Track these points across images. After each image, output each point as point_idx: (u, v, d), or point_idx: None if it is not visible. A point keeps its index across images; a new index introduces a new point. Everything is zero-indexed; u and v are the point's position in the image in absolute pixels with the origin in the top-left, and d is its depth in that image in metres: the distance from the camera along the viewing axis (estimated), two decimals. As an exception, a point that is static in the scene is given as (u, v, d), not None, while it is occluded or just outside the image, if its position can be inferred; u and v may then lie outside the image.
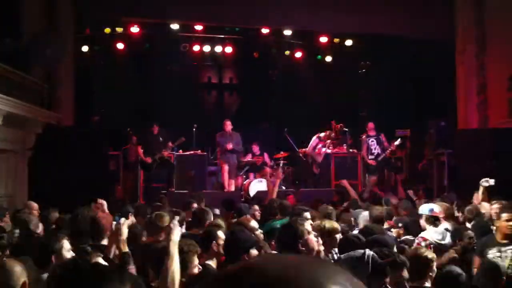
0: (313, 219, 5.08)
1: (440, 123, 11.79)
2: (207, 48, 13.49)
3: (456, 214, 6.61)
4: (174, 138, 10.62)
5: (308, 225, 3.69)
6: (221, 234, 4.00)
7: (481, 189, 6.48)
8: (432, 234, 5.07)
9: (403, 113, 12.80)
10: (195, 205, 6.55)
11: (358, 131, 12.16)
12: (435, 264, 3.50)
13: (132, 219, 5.02)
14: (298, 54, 14.07)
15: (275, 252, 3.79)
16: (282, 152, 12.23)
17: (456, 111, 11.60)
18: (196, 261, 3.05)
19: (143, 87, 13.33)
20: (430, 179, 11.98)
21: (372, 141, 11.33)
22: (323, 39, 13.30)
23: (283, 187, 10.94)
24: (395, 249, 3.39)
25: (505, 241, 4.60)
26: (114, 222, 3.75)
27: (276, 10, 11.48)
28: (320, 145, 11.71)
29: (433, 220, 5.34)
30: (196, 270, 3.04)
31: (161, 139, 10.43)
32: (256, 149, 12.28)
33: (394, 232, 5.39)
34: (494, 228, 4.97)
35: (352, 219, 5.88)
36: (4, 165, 8.64)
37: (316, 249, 3.54)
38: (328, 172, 11.54)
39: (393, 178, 11.97)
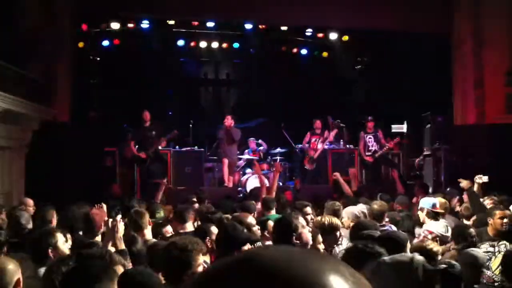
0: (312, 214, 5.10)
1: (437, 119, 11.80)
2: (203, 44, 13.45)
3: (458, 209, 6.65)
4: (167, 130, 10.59)
5: (302, 219, 3.71)
6: (214, 230, 4.00)
7: (475, 186, 6.50)
8: (436, 227, 5.10)
9: (399, 109, 12.81)
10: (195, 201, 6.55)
11: (354, 126, 12.16)
12: (439, 257, 3.52)
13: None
14: (295, 50, 14.05)
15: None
16: (279, 148, 12.23)
17: (453, 107, 11.62)
18: (200, 259, 3.02)
19: (140, 83, 13.30)
20: (426, 174, 12.00)
21: (369, 137, 11.34)
22: (320, 35, 13.28)
23: (280, 183, 10.95)
24: (409, 245, 3.37)
25: (497, 237, 4.64)
26: (111, 220, 3.75)
27: (273, 6, 11.46)
28: (314, 139, 11.70)
29: (434, 215, 5.37)
30: (200, 269, 3.01)
31: (154, 132, 10.40)
32: (252, 146, 12.29)
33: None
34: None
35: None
36: (0, 162, 8.62)
37: (310, 243, 3.56)
38: (325, 168, 11.55)
39: (390, 174, 11.98)
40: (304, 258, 0.72)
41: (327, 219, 4.15)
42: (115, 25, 11.89)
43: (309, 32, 13.21)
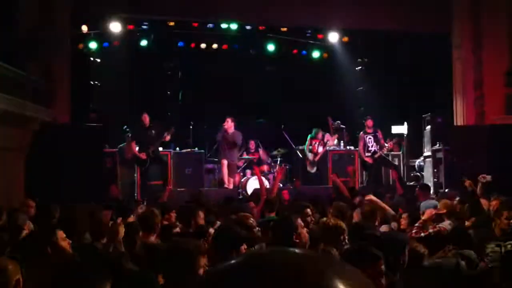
0: (312, 215, 5.09)
1: (437, 119, 11.80)
2: (203, 45, 13.45)
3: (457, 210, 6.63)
4: (166, 129, 10.57)
5: (300, 220, 3.71)
6: (212, 231, 4.00)
7: (478, 186, 6.50)
8: (444, 225, 5.10)
9: (399, 109, 12.81)
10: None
11: (355, 127, 12.17)
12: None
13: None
14: (295, 51, 14.04)
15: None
16: (279, 149, 12.23)
17: (453, 107, 11.62)
18: (202, 262, 3.01)
19: (140, 84, 13.29)
20: (426, 175, 12.01)
21: (369, 138, 11.31)
22: (320, 36, 13.29)
23: (280, 184, 10.95)
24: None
25: (504, 237, 4.62)
26: (111, 222, 3.73)
27: (273, 7, 11.47)
28: (314, 143, 11.72)
29: (439, 217, 5.36)
30: (201, 272, 3.01)
31: (153, 132, 10.39)
32: (252, 145, 12.29)
33: (383, 227, 5.39)
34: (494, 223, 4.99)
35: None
36: (0, 163, 8.61)
37: (308, 243, 3.57)
38: (326, 169, 11.57)
39: (390, 175, 11.97)
40: (312, 261, 0.72)
41: (332, 221, 4.13)
42: (114, 27, 11.88)
43: (309, 32, 13.22)
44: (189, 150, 11.62)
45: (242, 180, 11.42)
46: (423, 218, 5.18)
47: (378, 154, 11.11)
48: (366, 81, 13.85)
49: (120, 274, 2.80)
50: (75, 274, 2.47)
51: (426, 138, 12.13)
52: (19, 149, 9.17)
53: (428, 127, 12.01)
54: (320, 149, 11.61)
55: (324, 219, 4.34)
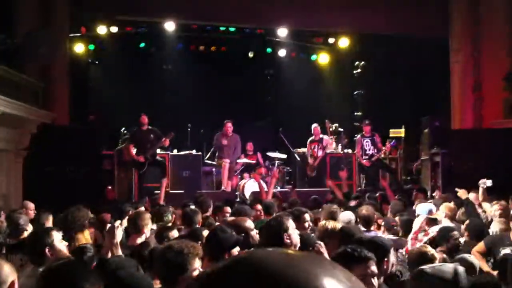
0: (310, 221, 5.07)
1: (435, 123, 11.82)
2: (202, 48, 13.48)
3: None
4: (164, 134, 10.56)
5: (291, 221, 3.71)
6: (206, 233, 4.00)
7: (480, 190, 6.50)
8: (433, 229, 5.09)
9: (397, 113, 12.83)
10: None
11: (352, 131, 12.18)
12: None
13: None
14: (293, 54, 14.08)
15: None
16: (277, 152, 12.23)
17: (451, 111, 11.64)
18: (196, 264, 3.01)
19: (138, 86, 13.30)
20: (424, 179, 12.02)
21: (366, 141, 11.33)
22: (318, 39, 13.32)
23: (278, 187, 10.95)
24: (392, 251, 3.36)
25: None
26: (109, 225, 3.72)
27: (271, 10, 11.49)
28: (313, 147, 11.73)
29: (432, 221, 5.36)
30: (196, 274, 3.01)
31: (152, 136, 10.38)
32: (250, 147, 12.29)
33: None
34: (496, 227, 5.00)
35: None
36: (-2, 165, 8.61)
37: (298, 245, 3.56)
38: (324, 172, 11.58)
39: (387, 178, 11.98)
40: (302, 262, 0.73)
41: (330, 224, 4.12)
42: (113, 29, 11.90)
43: (308, 36, 13.25)
44: (186, 152, 11.62)
45: (240, 183, 11.42)
46: (414, 231, 5.15)
47: (375, 157, 11.12)
48: (364, 84, 13.86)
49: (115, 277, 2.81)
50: (63, 275, 2.48)
51: (424, 141, 12.14)
52: (18, 151, 9.17)
53: (426, 130, 12.02)
54: (320, 153, 11.64)
55: (323, 222, 4.34)
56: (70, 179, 9.25)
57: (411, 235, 5.19)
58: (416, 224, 5.34)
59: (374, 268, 2.84)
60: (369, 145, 11.26)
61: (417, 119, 12.43)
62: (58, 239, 3.56)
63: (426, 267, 2.86)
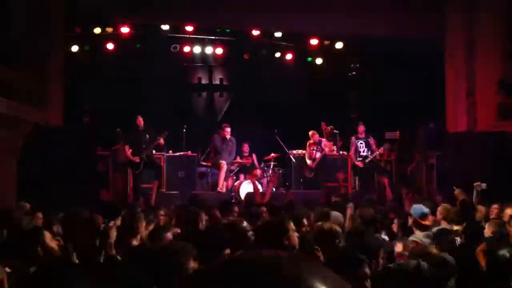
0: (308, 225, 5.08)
1: (429, 126, 11.87)
2: (197, 49, 13.47)
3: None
4: (159, 133, 10.56)
5: (291, 223, 3.72)
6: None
7: (475, 193, 6.53)
8: (422, 238, 5.10)
9: (392, 115, 12.87)
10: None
11: (348, 133, 12.21)
12: None
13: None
14: (289, 56, 14.10)
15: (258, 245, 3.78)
16: (272, 154, 12.25)
17: (445, 114, 11.70)
18: (191, 264, 3.02)
19: (133, 87, 13.27)
20: (419, 181, 12.05)
21: (361, 143, 11.39)
22: (313, 41, 13.34)
23: (273, 189, 10.98)
24: (382, 253, 3.37)
25: None
26: (103, 225, 3.71)
27: (267, 12, 11.50)
28: (313, 149, 11.77)
29: (420, 225, 5.37)
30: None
31: (147, 136, 10.37)
32: (246, 149, 12.31)
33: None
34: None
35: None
36: (-8, 165, 8.57)
37: (297, 247, 3.57)
38: (320, 174, 11.62)
39: (382, 181, 12.02)
40: (290, 262, 0.74)
41: (327, 225, 4.13)
42: (109, 29, 11.88)
43: (303, 38, 13.28)
44: (182, 153, 11.62)
45: (235, 184, 11.43)
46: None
47: (369, 159, 11.18)
48: (359, 87, 13.92)
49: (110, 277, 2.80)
50: (53, 273, 2.48)
51: (419, 144, 12.19)
52: (12, 151, 9.12)
53: (421, 133, 12.07)
54: (318, 155, 11.69)
55: (319, 223, 4.35)
56: (64, 179, 9.20)
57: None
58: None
59: (367, 270, 2.86)
60: (363, 146, 11.32)
61: (412, 122, 12.49)
62: (49, 238, 3.55)
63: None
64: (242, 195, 10.52)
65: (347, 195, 9.19)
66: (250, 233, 4.54)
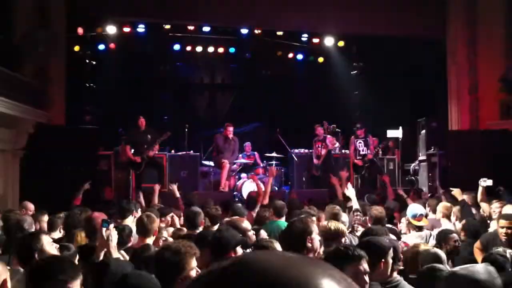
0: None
1: (432, 124, 11.86)
2: (199, 49, 13.47)
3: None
4: (161, 133, 10.56)
5: (315, 225, 3.73)
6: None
7: (480, 189, 6.51)
8: (413, 239, 5.09)
9: (395, 114, 12.86)
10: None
11: (350, 131, 12.20)
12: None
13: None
14: (291, 55, 14.09)
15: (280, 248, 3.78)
16: (274, 153, 12.25)
17: (448, 112, 11.68)
18: (194, 263, 3.02)
19: (135, 87, 13.29)
20: (421, 180, 12.04)
21: (359, 142, 11.46)
22: (316, 40, 13.33)
23: (275, 188, 10.96)
24: (391, 252, 3.36)
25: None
26: (104, 228, 3.66)
27: (269, 11, 11.49)
28: (317, 146, 11.76)
29: (414, 226, 5.38)
30: (193, 273, 3.02)
31: (149, 136, 10.37)
32: (248, 148, 12.31)
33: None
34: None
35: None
36: (-5, 165, 8.59)
37: (318, 250, 3.56)
38: (327, 171, 11.61)
39: (383, 179, 12.01)
40: (298, 262, 0.74)
41: (333, 224, 4.12)
42: (111, 29, 11.88)
43: (304, 37, 13.26)
44: (184, 152, 11.63)
45: (238, 183, 11.43)
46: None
47: (368, 156, 11.25)
48: (361, 85, 13.90)
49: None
50: (45, 269, 2.50)
51: (421, 143, 12.18)
52: (15, 151, 9.15)
53: (423, 131, 12.06)
54: (323, 152, 11.68)
55: (325, 222, 4.34)
56: (67, 179, 9.22)
57: None
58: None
59: (366, 266, 2.86)
60: (362, 146, 11.39)
61: (414, 120, 12.47)
62: (47, 243, 3.52)
63: (457, 268, 2.87)
64: (245, 194, 10.52)
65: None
66: (251, 232, 4.55)
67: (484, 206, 6.53)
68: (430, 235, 5.27)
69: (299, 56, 14.16)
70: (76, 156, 9.50)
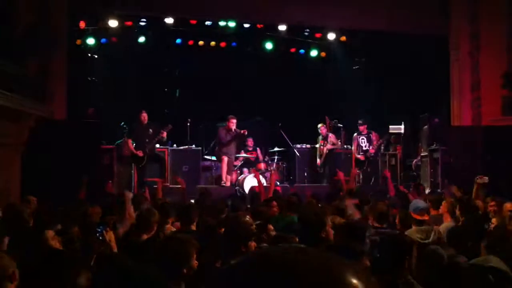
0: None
1: (434, 120, 11.84)
2: (201, 43, 13.44)
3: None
4: (163, 127, 10.55)
5: (329, 218, 3.79)
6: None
7: (475, 186, 6.49)
8: (415, 233, 5.09)
9: (397, 110, 12.84)
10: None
11: (352, 127, 12.20)
12: None
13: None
14: (293, 50, 14.05)
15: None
16: (276, 148, 12.25)
17: (450, 108, 11.65)
18: (194, 256, 3.07)
19: (137, 81, 13.26)
20: (423, 175, 12.03)
21: (362, 138, 11.54)
22: (318, 35, 13.29)
23: (277, 182, 10.96)
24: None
25: None
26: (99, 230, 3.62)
27: (271, 6, 11.46)
28: (321, 144, 11.79)
29: (417, 220, 5.37)
30: (195, 265, 3.07)
31: (150, 130, 10.37)
32: (250, 143, 12.30)
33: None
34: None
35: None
36: (-3, 159, 8.58)
37: (333, 242, 3.60)
38: (329, 168, 11.64)
39: (385, 175, 12.01)
40: (326, 261, 0.74)
41: (337, 220, 4.14)
42: (112, 23, 11.85)
43: (307, 32, 13.23)
44: (186, 147, 11.62)
45: (239, 178, 11.43)
46: None
47: (370, 151, 11.30)
48: (363, 81, 13.87)
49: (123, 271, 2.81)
50: (50, 263, 2.49)
51: (423, 138, 12.16)
52: (16, 145, 9.14)
53: (425, 127, 12.04)
54: (325, 150, 11.76)
55: (330, 216, 4.36)
56: (68, 173, 9.22)
57: None
58: None
59: (367, 262, 2.88)
60: (365, 142, 11.46)
61: (416, 116, 12.44)
62: (51, 237, 3.52)
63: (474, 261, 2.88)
64: (246, 189, 10.52)
65: (353, 191, 9.16)
66: (253, 226, 4.55)
67: (478, 203, 6.51)
68: (433, 230, 5.26)
69: (301, 51, 14.13)
70: (78, 150, 9.50)
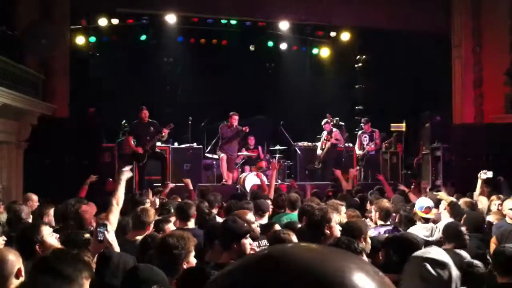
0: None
1: (436, 117, 11.82)
2: (203, 41, 13.44)
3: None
4: (164, 126, 10.54)
5: (335, 215, 3.82)
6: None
7: (479, 182, 6.48)
8: (419, 230, 5.09)
9: (399, 107, 12.82)
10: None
11: (353, 125, 12.19)
12: None
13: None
14: (295, 47, 14.04)
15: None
16: (278, 146, 12.24)
17: (452, 106, 11.63)
18: (193, 252, 3.09)
19: (139, 79, 13.27)
20: (425, 173, 12.02)
21: (365, 137, 11.54)
22: (320, 33, 13.28)
23: (278, 180, 10.96)
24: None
25: None
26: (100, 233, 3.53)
27: (273, 3, 11.45)
28: (323, 140, 11.76)
29: (422, 217, 5.37)
30: (194, 260, 3.10)
31: (152, 128, 10.37)
32: (251, 141, 12.30)
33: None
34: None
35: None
36: (-1, 157, 8.61)
37: (336, 238, 3.62)
38: (328, 166, 11.62)
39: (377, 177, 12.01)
40: (332, 257, 0.73)
41: (336, 218, 4.15)
42: (114, 21, 11.85)
43: (308, 29, 13.21)
44: (187, 145, 11.62)
45: (241, 176, 11.43)
46: None
47: (368, 149, 11.33)
48: (365, 79, 13.85)
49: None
50: (52, 263, 2.49)
51: (425, 136, 12.14)
52: (18, 143, 9.16)
53: (427, 125, 12.02)
54: (328, 145, 11.72)
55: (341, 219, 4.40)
56: (70, 171, 9.24)
57: None
58: None
59: (366, 259, 2.89)
60: (367, 140, 11.46)
61: (418, 114, 12.42)
62: (48, 234, 3.49)
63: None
64: (248, 187, 10.52)
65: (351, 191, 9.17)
66: (255, 224, 4.56)
67: (482, 200, 6.51)
68: (436, 227, 5.27)
69: (303, 49, 14.12)
70: (79, 148, 9.52)
